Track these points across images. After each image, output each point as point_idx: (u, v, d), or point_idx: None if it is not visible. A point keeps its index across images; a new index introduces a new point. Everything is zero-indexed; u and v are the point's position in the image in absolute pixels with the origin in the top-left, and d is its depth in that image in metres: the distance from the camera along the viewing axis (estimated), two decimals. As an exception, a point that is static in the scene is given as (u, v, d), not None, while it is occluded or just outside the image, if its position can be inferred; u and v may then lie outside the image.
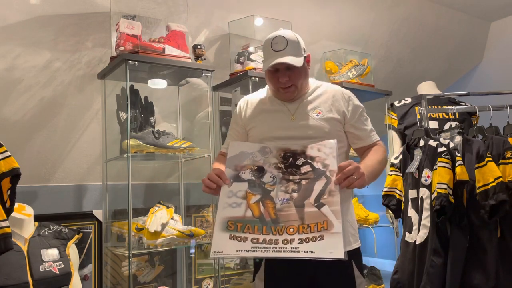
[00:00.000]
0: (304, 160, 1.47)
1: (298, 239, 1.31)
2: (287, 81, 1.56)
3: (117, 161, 2.36)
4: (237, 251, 1.33)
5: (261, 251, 1.31)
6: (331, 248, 1.28)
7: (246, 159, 1.51)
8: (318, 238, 1.30)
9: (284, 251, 1.30)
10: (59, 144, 2.43)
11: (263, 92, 1.73)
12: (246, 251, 1.32)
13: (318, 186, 1.40)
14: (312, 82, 1.70)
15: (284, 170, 1.47)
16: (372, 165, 1.55)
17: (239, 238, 1.34)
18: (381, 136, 3.11)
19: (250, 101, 1.72)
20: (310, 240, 1.31)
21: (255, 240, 1.33)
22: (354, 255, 1.57)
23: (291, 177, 1.45)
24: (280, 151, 1.51)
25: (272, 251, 1.31)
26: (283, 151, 1.51)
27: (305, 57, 1.59)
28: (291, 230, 1.34)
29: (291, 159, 1.48)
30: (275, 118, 1.62)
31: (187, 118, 2.76)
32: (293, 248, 1.30)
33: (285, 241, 1.32)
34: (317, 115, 1.59)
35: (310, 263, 1.43)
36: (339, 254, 1.27)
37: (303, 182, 1.43)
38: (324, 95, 1.64)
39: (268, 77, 1.62)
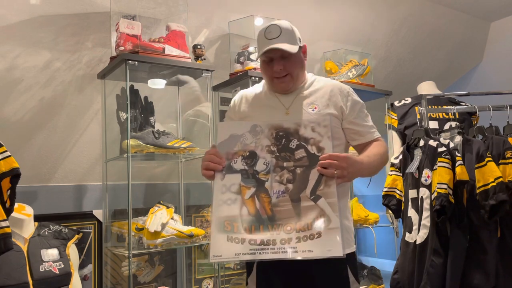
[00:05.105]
0: (298, 143, 1.42)
1: (296, 238, 1.30)
2: (281, 70, 1.50)
3: (117, 161, 2.36)
4: (235, 254, 1.31)
5: (260, 253, 1.30)
6: (329, 245, 1.27)
7: (237, 144, 1.45)
8: (316, 236, 1.29)
9: (282, 252, 1.29)
10: (59, 144, 2.43)
11: (259, 87, 1.67)
12: (245, 254, 1.30)
13: (314, 175, 1.37)
14: (309, 76, 1.64)
15: (278, 154, 1.42)
16: (373, 158, 1.50)
17: (237, 240, 1.32)
18: (381, 136, 3.13)
19: (245, 96, 1.66)
20: (308, 238, 1.29)
21: (253, 242, 1.31)
22: (349, 260, 1.50)
23: (285, 164, 1.41)
24: (272, 130, 1.45)
25: (271, 252, 1.29)
26: (275, 129, 1.45)
27: (300, 46, 1.54)
28: (288, 228, 1.32)
29: (283, 140, 1.43)
30: (268, 113, 1.57)
31: (187, 118, 2.76)
32: (292, 247, 1.29)
33: (283, 241, 1.30)
34: (313, 110, 1.53)
35: (304, 266, 1.41)
36: (337, 252, 1.26)
37: (298, 170, 1.39)
38: (321, 90, 1.58)
39: (262, 67, 1.57)
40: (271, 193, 1.38)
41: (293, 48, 1.48)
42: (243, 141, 1.46)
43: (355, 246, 1.59)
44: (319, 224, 1.30)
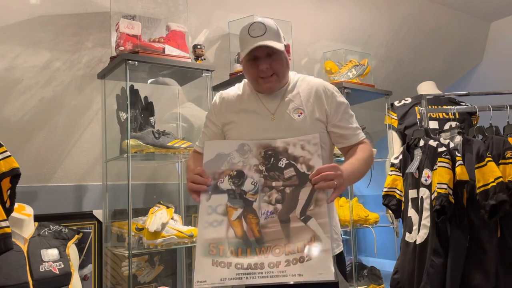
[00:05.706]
0: (287, 161, 1.38)
1: (285, 261, 1.25)
2: (268, 69, 1.44)
3: (117, 161, 2.36)
4: (221, 279, 1.24)
5: (247, 277, 1.24)
6: (320, 269, 1.22)
7: (224, 163, 1.41)
8: (306, 258, 1.24)
9: (271, 276, 1.23)
10: (59, 144, 2.43)
11: (240, 89, 1.60)
12: (231, 279, 1.24)
13: (304, 194, 1.32)
14: (292, 75, 1.57)
15: (266, 174, 1.37)
16: (357, 164, 1.46)
17: (223, 264, 1.26)
18: (381, 136, 3.14)
19: (226, 98, 1.59)
20: (297, 261, 1.24)
21: (240, 266, 1.26)
22: (337, 260, 1.46)
23: (274, 184, 1.36)
24: (260, 149, 1.41)
25: (259, 276, 1.24)
26: (263, 148, 1.41)
27: (285, 45, 1.48)
28: (277, 251, 1.27)
29: (272, 159, 1.39)
30: (254, 119, 1.50)
31: (187, 118, 2.76)
32: (280, 272, 1.24)
33: (271, 265, 1.25)
34: (299, 116, 1.48)
35: None
36: (329, 275, 1.21)
37: (287, 190, 1.34)
38: (305, 91, 1.53)
39: (246, 67, 1.50)
40: (259, 214, 1.33)
41: (280, 46, 1.43)
42: (230, 160, 1.41)
43: (342, 245, 1.56)
44: (310, 246, 1.26)
